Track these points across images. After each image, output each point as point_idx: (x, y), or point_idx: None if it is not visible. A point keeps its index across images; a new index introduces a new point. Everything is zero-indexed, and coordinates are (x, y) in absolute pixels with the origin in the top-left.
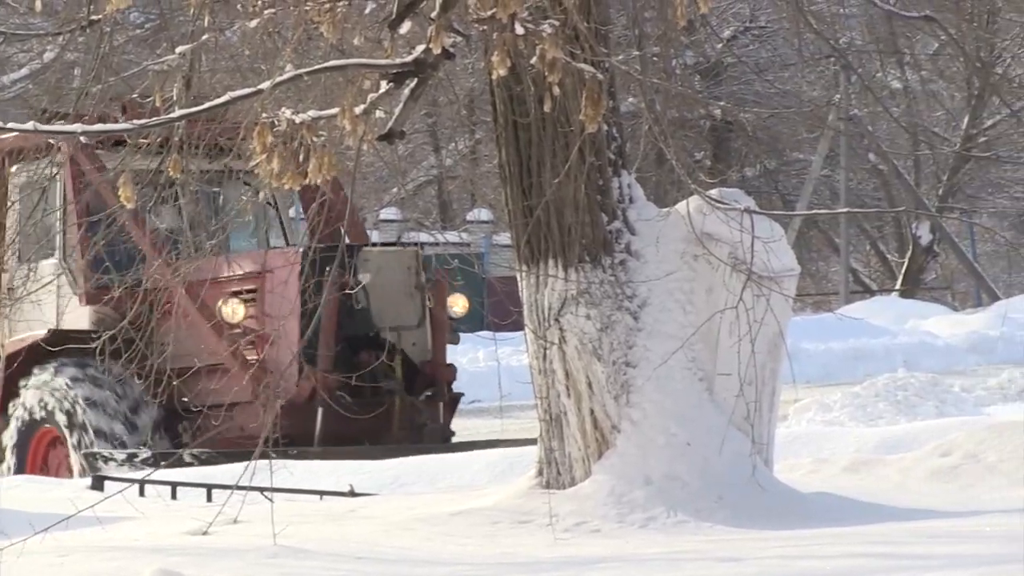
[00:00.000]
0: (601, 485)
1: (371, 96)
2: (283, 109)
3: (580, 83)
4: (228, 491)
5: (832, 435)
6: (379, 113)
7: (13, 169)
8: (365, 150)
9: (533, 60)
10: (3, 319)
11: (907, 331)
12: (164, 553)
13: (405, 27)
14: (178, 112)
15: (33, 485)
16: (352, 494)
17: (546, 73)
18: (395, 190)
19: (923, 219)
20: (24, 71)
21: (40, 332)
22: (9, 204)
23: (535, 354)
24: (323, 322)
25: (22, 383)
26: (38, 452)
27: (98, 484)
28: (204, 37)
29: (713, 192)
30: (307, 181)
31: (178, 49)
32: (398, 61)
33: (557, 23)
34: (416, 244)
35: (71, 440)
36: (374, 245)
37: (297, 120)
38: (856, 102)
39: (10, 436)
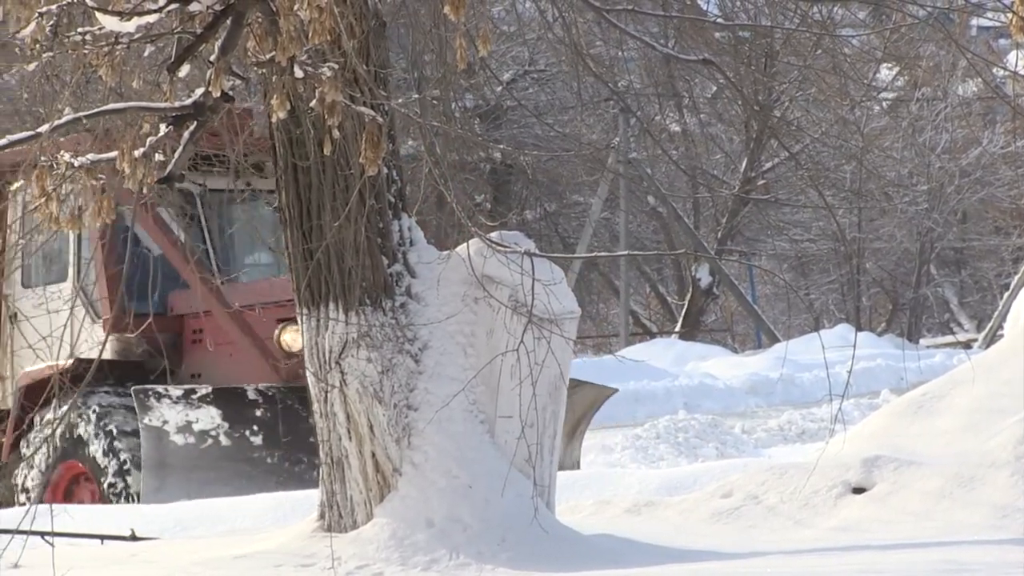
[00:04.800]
0: (383, 528)
1: (150, 139)
2: (62, 152)
3: (360, 126)
4: (8, 535)
5: (614, 477)
6: (158, 156)
7: (15, 186)
8: (145, 192)
9: (313, 103)
10: (6, 348)
11: (687, 373)
12: None
13: (184, 70)
14: None
15: None
16: (134, 538)
17: (326, 116)
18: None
19: (702, 261)
20: None
21: (62, 362)
22: (10, 224)
23: (316, 397)
24: None
25: (43, 414)
26: (59, 488)
27: None
28: None
29: (493, 235)
30: (87, 225)
31: None
32: (177, 104)
33: (336, 66)
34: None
35: (106, 471)
36: None
37: (76, 163)
38: (635, 145)
39: (30, 471)
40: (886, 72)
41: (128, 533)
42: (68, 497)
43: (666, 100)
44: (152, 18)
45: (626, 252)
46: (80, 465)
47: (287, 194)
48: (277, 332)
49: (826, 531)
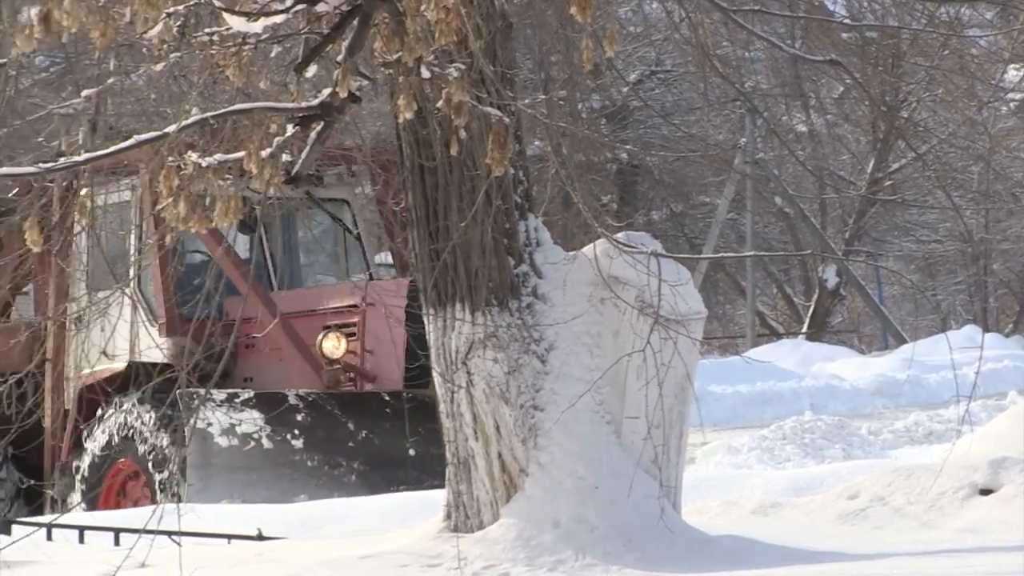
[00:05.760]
0: (509, 528)
1: (277, 140)
2: (189, 152)
3: (486, 126)
4: (136, 534)
5: (740, 478)
6: (285, 156)
7: (83, 192)
8: (271, 193)
9: (439, 104)
10: (74, 349)
11: (814, 374)
12: None
13: (311, 71)
14: (84, 156)
15: None
16: (260, 538)
17: (452, 116)
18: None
19: (829, 262)
20: None
21: (118, 365)
22: (78, 229)
23: (443, 397)
24: None
25: (99, 415)
26: (113, 487)
27: (4, 528)
28: (110, 81)
29: (620, 235)
30: (213, 225)
31: (83, 93)
32: (304, 105)
33: (463, 67)
34: None
35: (156, 470)
36: None
37: (203, 164)
38: (762, 145)
39: (84, 470)
40: (1014, 72)
41: (255, 533)
42: (121, 496)
43: (793, 100)
44: (279, 18)
45: (752, 253)
46: (132, 464)
47: (414, 194)
48: (319, 339)
49: (953, 533)
